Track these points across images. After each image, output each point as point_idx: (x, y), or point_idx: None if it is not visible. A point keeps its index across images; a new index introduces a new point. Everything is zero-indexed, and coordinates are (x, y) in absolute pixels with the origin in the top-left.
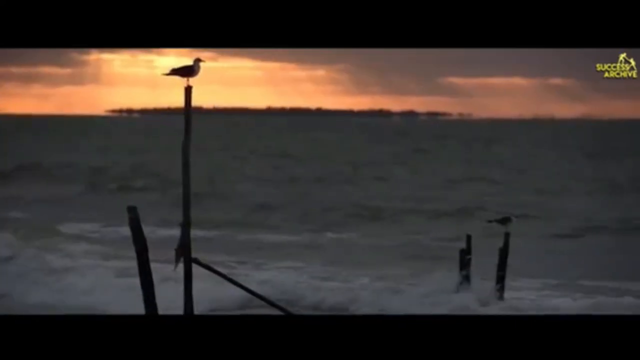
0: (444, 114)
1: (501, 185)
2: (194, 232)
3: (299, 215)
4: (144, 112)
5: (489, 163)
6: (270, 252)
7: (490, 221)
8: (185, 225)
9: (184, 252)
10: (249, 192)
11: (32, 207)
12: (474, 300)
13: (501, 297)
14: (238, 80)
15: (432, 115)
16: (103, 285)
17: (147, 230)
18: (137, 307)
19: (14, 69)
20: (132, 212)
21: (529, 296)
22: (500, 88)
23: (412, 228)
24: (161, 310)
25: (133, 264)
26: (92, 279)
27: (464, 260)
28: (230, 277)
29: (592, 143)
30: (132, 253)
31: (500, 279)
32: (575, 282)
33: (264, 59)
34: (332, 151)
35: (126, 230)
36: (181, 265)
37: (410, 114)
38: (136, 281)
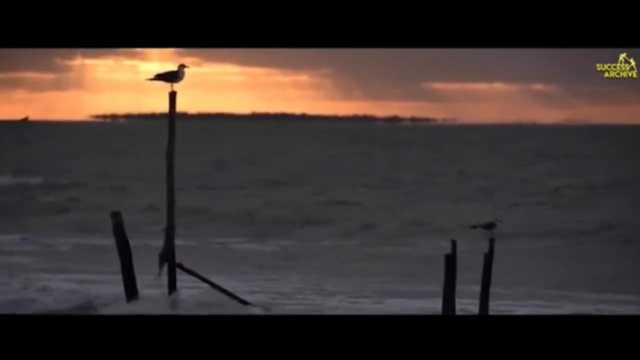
0: (428, 120)
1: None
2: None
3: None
4: (128, 117)
5: (425, 167)
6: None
7: (474, 226)
8: (170, 230)
9: (168, 257)
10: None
11: None
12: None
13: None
14: (222, 85)
15: (416, 121)
16: None
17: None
18: None
19: None
20: (116, 217)
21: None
22: (485, 94)
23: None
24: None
25: None
26: None
27: (450, 269)
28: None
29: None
30: None
31: (485, 286)
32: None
33: (248, 64)
34: (275, 157)
35: None
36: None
37: (393, 120)
38: None
